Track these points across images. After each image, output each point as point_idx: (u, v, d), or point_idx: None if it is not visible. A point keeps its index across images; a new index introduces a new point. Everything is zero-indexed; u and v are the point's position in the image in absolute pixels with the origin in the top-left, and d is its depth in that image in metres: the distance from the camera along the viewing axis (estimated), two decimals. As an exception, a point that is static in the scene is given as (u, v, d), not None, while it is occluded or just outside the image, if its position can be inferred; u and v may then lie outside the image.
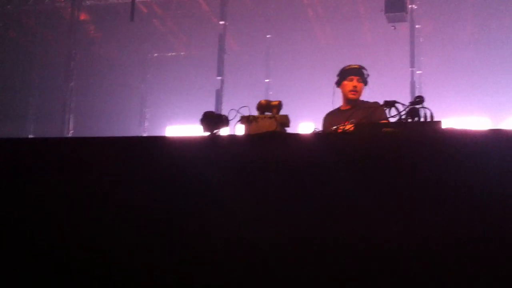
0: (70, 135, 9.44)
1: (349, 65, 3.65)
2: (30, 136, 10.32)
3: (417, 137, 2.07)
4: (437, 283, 1.88)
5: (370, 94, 5.21)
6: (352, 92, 3.58)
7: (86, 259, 2.09)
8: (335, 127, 3.04)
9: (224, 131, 2.63)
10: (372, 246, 1.97)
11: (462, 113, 7.91)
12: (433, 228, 1.93)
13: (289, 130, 2.70)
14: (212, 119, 2.47)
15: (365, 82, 3.64)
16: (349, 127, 2.81)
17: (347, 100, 3.64)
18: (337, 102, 3.79)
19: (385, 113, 2.44)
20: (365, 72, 3.63)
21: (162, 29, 10.39)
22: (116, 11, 9.79)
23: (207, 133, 2.46)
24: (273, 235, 2.06)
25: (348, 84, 3.59)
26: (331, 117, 3.62)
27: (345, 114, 3.48)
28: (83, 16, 10.61)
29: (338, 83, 3.65)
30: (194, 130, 2.34)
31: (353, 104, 3.61)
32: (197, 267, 2.04)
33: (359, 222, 1.99)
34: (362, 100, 3.64)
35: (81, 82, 9.91)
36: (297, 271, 1.97)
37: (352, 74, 3.60)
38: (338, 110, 3.68)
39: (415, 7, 8.44)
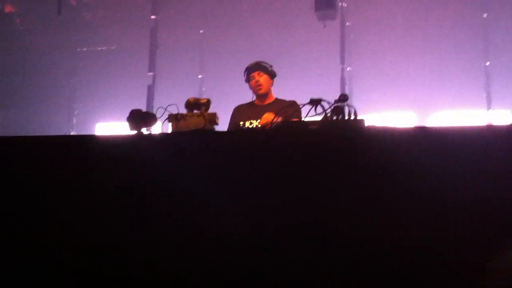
0: (-8, 132, 9.04)
1: (248, 65, 3.81)
2: None
3: (341, 135, 2.13)
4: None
5: (301, 90, 5.27)
6: (258, 88, 3.75)
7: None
8: (251, 122, 3.29)
9: (153, 130, 2.60)
10: (292, 243, 2.01)
11: (390, 108, 8.15)
12: (354, 226, 1.99)
13: (221, 127, 2.71)
14: (139, 117, 2.44)
15: (269, 74, 3.77)
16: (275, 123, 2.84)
17: (258, 96, 3.83)
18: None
19: (300, 112, 2.57)
20: (264, 64, 3.77)
21: (92, 22, 10.09)
22: (44, 3, 9.44)
23: (134, 131, 2.43)
24: (196, 233, 2.07)
25: (252, 83, 3.78)
26: (243, 110, 3.78)
27: (259, 109, 3.69)
28: (8, 9, 10.16)
29: (248, 83, 3.83)
30: (125, 127, 2.31)
31: (266, 99, 3.80)
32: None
33: (279, 218, 2.03)
34: (279, 99, 3.80)
35: (6, 76, 9.50)
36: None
37: (252, 71, 3.77)
38: (251, 103, 3.84)
39: (345, 5, 8.61)
